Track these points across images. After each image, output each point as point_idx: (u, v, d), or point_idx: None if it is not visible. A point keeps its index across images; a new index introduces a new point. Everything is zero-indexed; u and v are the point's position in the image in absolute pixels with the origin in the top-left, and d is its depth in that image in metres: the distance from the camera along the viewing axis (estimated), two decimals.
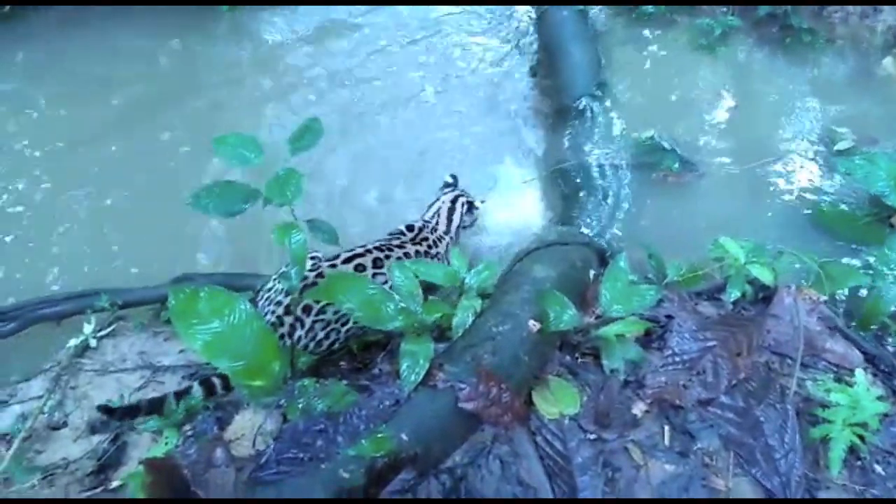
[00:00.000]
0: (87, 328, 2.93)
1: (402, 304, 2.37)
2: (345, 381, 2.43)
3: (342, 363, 2.73)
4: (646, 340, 2.72)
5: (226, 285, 2.39)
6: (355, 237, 3.27)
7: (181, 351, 2.87)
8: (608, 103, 4.19)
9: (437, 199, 3.49)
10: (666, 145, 3.94)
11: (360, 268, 2.81)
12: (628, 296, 2.54)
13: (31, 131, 4.20)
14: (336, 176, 4.05)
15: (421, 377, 2.29)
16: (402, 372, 2.29)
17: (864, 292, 3.13)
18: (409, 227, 3.26)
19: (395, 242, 3.06)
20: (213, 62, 4.80)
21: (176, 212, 2.88)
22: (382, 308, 2.33)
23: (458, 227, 3.47)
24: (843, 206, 3.67)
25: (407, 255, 3.01)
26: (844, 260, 3.40)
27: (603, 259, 3.23)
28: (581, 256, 3.08)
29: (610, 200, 3.65)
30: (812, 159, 3.98)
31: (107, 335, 2.98)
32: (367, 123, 4.39)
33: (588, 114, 4.08)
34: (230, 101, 4.51)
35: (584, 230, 3.42)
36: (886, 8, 4.36)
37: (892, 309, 2.91)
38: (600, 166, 3.85)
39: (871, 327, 2.91)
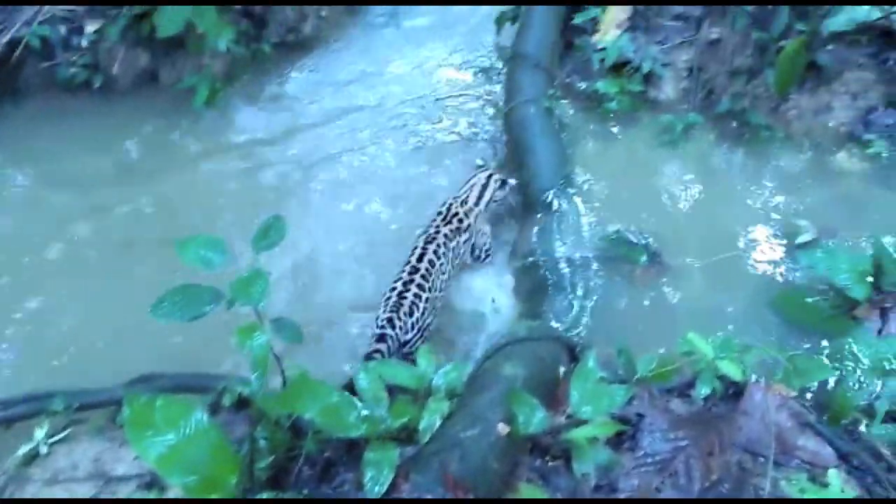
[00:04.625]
0: (39, 433, 2.80)
1: (366, 412, 2.30)
2: (306, 491, 2.33)
3: (305, 469, 2.63)
4: (617, 440, 2.66)
5: (187, 386, 2.31)
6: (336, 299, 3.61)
7: (136, 457, 2.75)
8: (576, 197, 4.26)
9: (473, 176, 4.13)
10: (633, 238, 3.99)
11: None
12: (598, 396, 2.50)
13: None
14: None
15: (385, 488, 2.20)
16: (365, 483, 2.21)
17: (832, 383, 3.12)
18: (440, 212, 3.91)
19: (432, 231, 3.74)
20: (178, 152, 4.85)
21: (138, 308, 2.82)
22: (345, 416, 2.26)
23: (490, 201, 4.07)
24: (808, 298, 3.68)
25: (445, 237, 3.71)
26: (816, 347, 3.41)
27: (573, 354, 3.21)
28: (551, 352, 3.06)
29: (579, 294, 3.67)
30: (775, 252, 4.04)
31: (60, 440, 2.85)
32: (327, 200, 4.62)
33: (555, 207, 4.15)
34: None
35: (554, 324, 3.41)
36: (837, 105, 4.54)
37: (862, 403, 2.90)
38: (569, 259, 3.88)
39: (842, 422, 2.89)
